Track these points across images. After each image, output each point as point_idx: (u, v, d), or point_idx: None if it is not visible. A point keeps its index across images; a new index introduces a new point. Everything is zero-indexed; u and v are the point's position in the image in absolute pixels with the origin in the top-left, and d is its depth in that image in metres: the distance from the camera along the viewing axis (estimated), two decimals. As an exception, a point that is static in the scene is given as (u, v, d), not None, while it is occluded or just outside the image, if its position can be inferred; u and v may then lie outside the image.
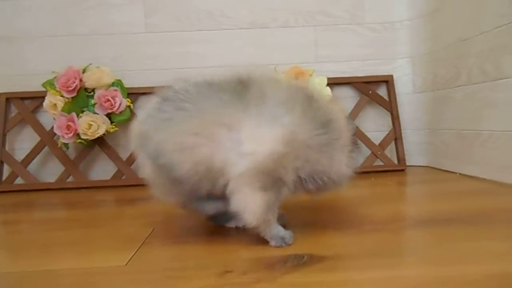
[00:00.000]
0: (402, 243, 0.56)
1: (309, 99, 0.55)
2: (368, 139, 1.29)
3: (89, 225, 0.76)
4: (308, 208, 0.78)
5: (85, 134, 1.16)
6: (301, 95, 0.55)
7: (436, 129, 1.24)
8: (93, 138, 1.17)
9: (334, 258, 0.50)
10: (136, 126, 0.57)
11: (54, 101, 1.18)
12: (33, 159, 1.24)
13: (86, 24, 1.28)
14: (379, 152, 1.28)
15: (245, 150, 0.51)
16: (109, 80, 1.20)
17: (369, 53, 1.33)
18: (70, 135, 1.16)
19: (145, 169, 0.57)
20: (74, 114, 1.17)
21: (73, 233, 0.71)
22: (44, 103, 1.19)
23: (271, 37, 1.31)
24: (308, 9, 1.32)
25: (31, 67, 1.27)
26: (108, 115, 1.20)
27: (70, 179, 1.25)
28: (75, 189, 1.21)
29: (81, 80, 1.18)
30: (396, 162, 1.29)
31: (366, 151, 1.29)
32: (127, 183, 1.22)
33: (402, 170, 1.26)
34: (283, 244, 0.55)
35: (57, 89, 1.17)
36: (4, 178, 1.23)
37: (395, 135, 1.30)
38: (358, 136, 1.29)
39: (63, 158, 1.24)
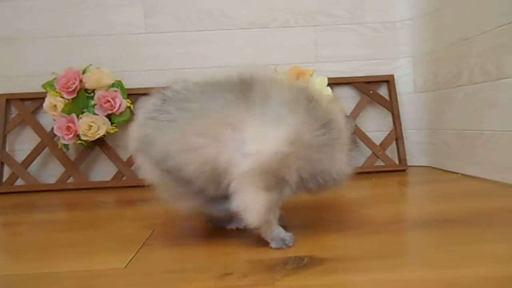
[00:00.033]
0: (403, 245, 0.56)
1: (310, 99, 0.56)
2: (369, 139, 1.29)
3: (89, 226, 0.76)
4: (308, 209, 0.78)
5: (85, 135, 1.16)
6: (302, 95, 0.55)
7: (437, 129, 1.24)
8: (93, 139, 1.17)
9: (334, 260, 0.50)
10: (136, 130, 0.56)
11: (54, 102, 1.17)
12: (33, 160, 1.24)
13: (86, 25, 1.28)
14: (380, 152, 1.28)
15: (249, 150, 0.50)
16: (109, 81, 1.19)
17: (370, 53, 1.33)
18: (70, 136, 1.16)
19: (148, 174, 0.56)
20: (74, 115, 1.17)
21: (73, 234, 0.70)
22: (44, 104, 1.19)
23: (271, 37, 1.31)
24: (308, 9, 1.31)
25: (31, 68, 1.27)
26: (108, 116, 1.19)
27: (70, 180, 1.24)
28: (76, 190, 1.21)
29: (81, 81, 1.18)
30: (397, 162, 1.29)
31: (367, 152, 1.29)
32: (127, 184, 1.22)
33: (403, 170, 1.26)
34: (284, 246, 0.55)
35: (57, 90, 1.17)
36: (4, 179, 1.23)
37: (396, 135, 1.30)
38: (359, 136, 1.29)
39: (64, 159, 1.24)
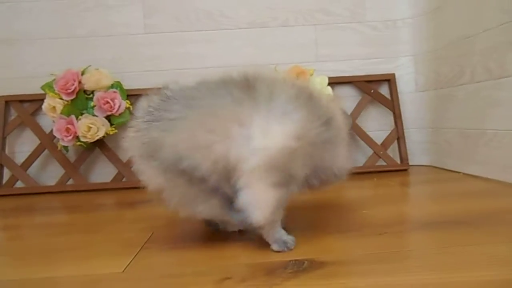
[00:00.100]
0: (404, 247, 0.55)
1: (311, 97, 0.56)
2: (370, 138, 1.28)
3: (88, 229, 0.76)
4: (308, 210, 0.77)
5: (85, 136, 1.15)
6: (304, 93, 0.56)
7: (439, 128, 1.23)
8: (92, 140, 1.17)
9: (335, 263, 0.49)
10: (137, 135, 0.54)
11: (53, 103, 1.17)
12: (33, 162, 1.24)
13: (85, 26, 1.28)
14: (381, 152, 1.27)
15: (256, 145, 0.50)
16: (108, 82, 1.19)
17: (371, 51, 1.32)
18: (70, 137, 1.16)
19: (155, 179, 0.53)
20: (73, 116, 1.16)
21: (73, 238, 0.70)
22: (43, 106, 1.18)
23: (271, 36, 1.30)
24: (308, 7, 1.30)
25: (30, 70, 1.27)
26: (108, 117, 1.19)
27: (70, 182, 1.24)
28: (75, 192, 1.21)
29: (80, 82, 1.17)
30: (398, 161, 1.28)
31: (369, 151, 1.28)
32: (127, 186, 1.22)
33: (405, 169, 1.25)
34: (285, 249, 0.54)
35: (56, 91, 1.16)
36: (4, 181, 1.23)
37: (398, 135, 1.29)
38: (360, 135, 1.29)
39: (63, 161, 1.24)
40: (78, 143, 1.18)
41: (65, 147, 1.20)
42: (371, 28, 1.32)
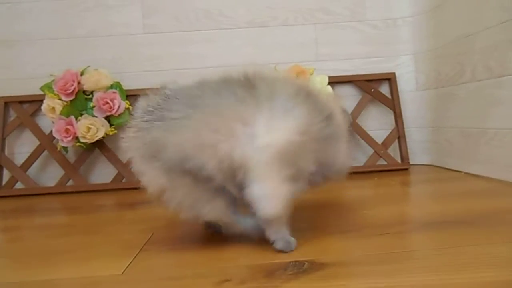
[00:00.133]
0: (405, 248, 0.55)
1: (310, 94, 0.56)
2: (371, 138, 1.28)
3: (88, 231, 0.75)
4: (308, 210, 0.77)
5: (84, 137, 1.15)
6: (303, 90, 0.56)
7: (440, 127, 1.22)
8: (92, 141, 1.16)
9: (335, 264, 0.49)
10: (138, 136, 0.53)
11: (52, 104, 1.17)
12: (32, 163, 1.24)
13: (84, 26, 1.27)
14: (382, 151, 1.27)
15: (262, 143, 0.50)
16: (107, 82, 1.19)
17: (371, 50, 1.31)
18: (69, 138, 1.16)
19: (157, 181, 0.52)
20: (72, 117, 1.16)
21: (73, 239, 0.70)
22: (43, 107, 1.18)
23: (271, 36, 1.30)
24: (308, 6, 1.30)
25: (29, 71, 1.26)
26: (107, 118, 1.19)
27: (70, 183, 1.24)
28: (75, 193, 1.21)
29: (79, 83, 1.17)
30: (399, 161, 1.28)
31: (369, 150, 1.28)
32: (127, 186, 1.22)
33: (406, 169, 1.24)
34: (287, 249, 0.54)
35: (55, 92, 1.16)
36: (3, 183, 1.23)
37: (398, 134, 1.28)
38: (361, 134, 1.28)
39: (63, 161, 1.24)
40: (78, 144, 1.17)
41: (65, 148, 1.20)
42: (371, 27, 1.31)
